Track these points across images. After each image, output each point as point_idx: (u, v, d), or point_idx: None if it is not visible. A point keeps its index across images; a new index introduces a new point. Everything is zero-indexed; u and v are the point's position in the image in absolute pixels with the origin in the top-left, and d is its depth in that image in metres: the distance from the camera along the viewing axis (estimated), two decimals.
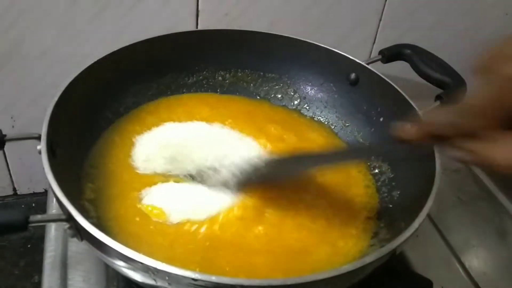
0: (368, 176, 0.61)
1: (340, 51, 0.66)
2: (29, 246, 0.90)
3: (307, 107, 0.71)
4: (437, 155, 0.50)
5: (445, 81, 0.62)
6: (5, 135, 0.49)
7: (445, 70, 0.63)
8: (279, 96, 0.71)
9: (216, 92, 0.71)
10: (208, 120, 0.65)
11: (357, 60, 0.65)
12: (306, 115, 0.71)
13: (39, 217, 0.41)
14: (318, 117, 0.70)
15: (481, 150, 0.32)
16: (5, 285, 0.85)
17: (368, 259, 0.40)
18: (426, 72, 0.63)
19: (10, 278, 0.86)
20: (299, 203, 0.55)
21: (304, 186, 0.57)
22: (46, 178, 0.43)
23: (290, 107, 0.71)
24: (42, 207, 0.92)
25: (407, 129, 0.38)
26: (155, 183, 0.55)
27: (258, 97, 0.72)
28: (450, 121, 0.34)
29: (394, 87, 0.60)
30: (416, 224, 0.43)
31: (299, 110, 0.71)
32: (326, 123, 0.69)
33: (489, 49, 0.31)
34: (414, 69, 0.65)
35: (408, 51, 0.66)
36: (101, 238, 0.38)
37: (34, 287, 0.86)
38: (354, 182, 0.60)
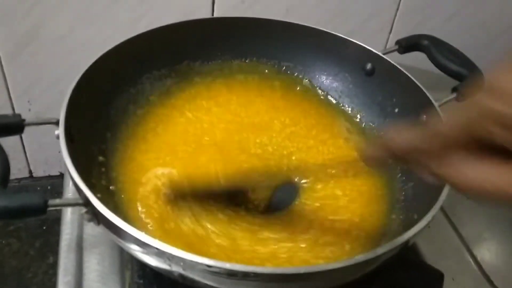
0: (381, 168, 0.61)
1: (356, 40, 0.66)
2: (44, 227, 0.91)
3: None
4: None
5: (462, 73, 0.61)
6: (24, 120, 0.49)
7: (463, 61, 0.62)
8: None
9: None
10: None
11: (374, 50, 0.64)
12: None
13: (57, 201, 0.42)
14: None
15: (443, 171, 0.30)
16: (21, 265, 0.87)
17: (380, 250, 0.40)
18: (443, 63, 0.62)
19: (25, 258, 0.88)
20: None
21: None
22: (62, 162, 0.43)
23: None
24: (57, 190, 0.93)
25: (366, 152, 0.38)
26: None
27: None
28: (413, 145, 0.32)
29: (411, 78, 0.59)
30: (429, 216, 0.43)
31: None
32: None
33: None
34: (431, 60, 0.64)
35: (426, 42, 0.65)
36: (118, 223, 0.39)
37: (49, 268, 0.87)
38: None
